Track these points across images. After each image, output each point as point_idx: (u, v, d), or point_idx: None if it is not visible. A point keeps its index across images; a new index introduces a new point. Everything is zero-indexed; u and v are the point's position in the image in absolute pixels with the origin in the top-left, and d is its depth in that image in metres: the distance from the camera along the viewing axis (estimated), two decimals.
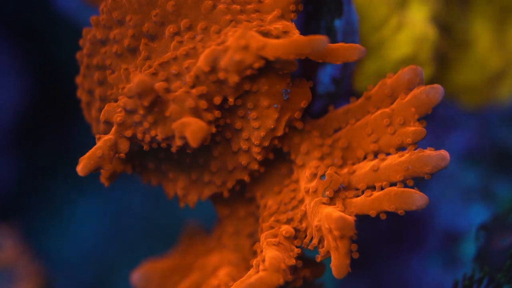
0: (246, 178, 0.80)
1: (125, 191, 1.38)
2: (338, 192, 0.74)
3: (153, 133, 0.72)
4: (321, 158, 0.78)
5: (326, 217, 0.70)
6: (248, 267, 0.83)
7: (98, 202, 1.41)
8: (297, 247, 0.76)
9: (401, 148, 0.75)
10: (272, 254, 0.71)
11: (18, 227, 1.22)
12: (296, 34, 0.72)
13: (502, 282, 0.83)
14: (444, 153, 0.71)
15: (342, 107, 0.80)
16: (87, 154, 0.71)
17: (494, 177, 1.03)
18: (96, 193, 1.40)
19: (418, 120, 0.74)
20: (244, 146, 0.77)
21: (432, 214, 1.02)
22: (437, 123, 1.05)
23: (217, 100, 0.72)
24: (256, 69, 0.71)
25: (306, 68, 0.85)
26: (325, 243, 0.72)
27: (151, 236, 1.37)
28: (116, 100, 0.78)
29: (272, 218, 0.78)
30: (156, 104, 0.70)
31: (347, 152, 0.78)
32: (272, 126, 0.75)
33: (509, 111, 1.07)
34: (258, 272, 0.71)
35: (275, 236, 0.76)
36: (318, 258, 0.73)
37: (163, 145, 0.74)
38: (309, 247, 0.75)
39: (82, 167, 0.71)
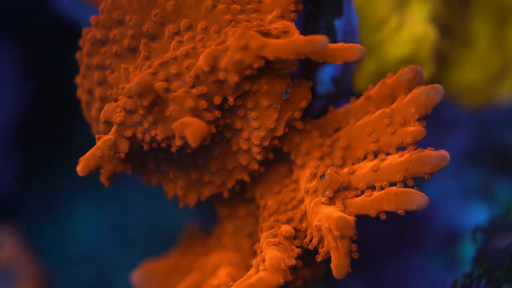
0: (246, 178, 0.80)
1: (125, 191, 1.38)
2: (338, 192, 0.74)
3: (153, 133, 0.72)
4: (321, 158, 0.78)
5: (326, 217, 0.70)
6: (248, 267, 0.83)
7: (98, 202, 1.41)
8: (297, 247, 0.76)
9: (401, 148, 0.75)
10: (272, 254, 0.71)
11: (18, 227, 1.22)
12: (296, 34, 0.72)
13: (502, 282, 0.83)
14: (444, 153, 0.71)
15: (342, 107, 0.80)
16: (87, 154, 0.71)
17: (494, 177, 1.03)
18: (96, 193, 1.40)
19: (418, 120, 0.74)
20: (244, 146, 0.77)
21: (432, 214, 1.02)
22: (437, 123, 1.05)
23: (217, 100, 0.72)
24: (256, 69, 0.71)
25: (306, 68, 0.85)
26: (325, 243, 0.72)
27: (151, 236, 1.37)
28: (116, 100, 0.78)
29: (272, 218, 0.78)
30: (156, 104, 0.70)
31: (347, 152, 0.78)
32: (272, 126, 0.75)
33: (509, 111, 1.07)
34: (258, 272, 0.71)
35: (275, 236, 0.76)
36: (318, 258, 0.73)
37: (163, 145, 0.74)
38: (309, 247, 0.75)
39: (82, 167, 0.71)
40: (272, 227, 0.77)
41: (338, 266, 0.70)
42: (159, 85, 0.71)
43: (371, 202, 0.72)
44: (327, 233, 0.70)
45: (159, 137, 0.72)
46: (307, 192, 0.76)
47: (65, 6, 1.13)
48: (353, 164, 0.77)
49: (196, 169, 0.80)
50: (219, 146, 0.78)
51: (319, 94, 0.86)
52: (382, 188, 0.73)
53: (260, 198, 0.82)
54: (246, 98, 0.74)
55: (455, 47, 1.04)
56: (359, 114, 0.78)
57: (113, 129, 0.73)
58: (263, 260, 0.72)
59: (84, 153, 0.72)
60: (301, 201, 0.78)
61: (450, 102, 1.06)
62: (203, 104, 0.71)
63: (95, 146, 0.72)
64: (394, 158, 0.73)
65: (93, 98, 0.81)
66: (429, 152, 0.72)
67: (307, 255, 0.77)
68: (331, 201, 0.73)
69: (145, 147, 0.74)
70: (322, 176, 0.75)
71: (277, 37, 0.72)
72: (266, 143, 0.76)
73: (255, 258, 0.76)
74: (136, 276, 0.89)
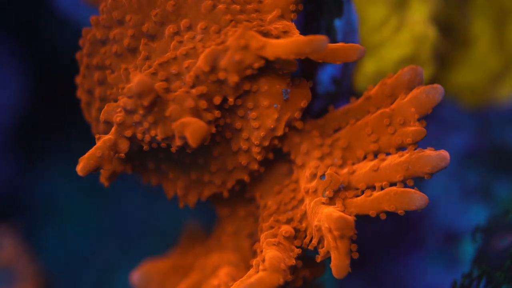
0: (246, 178, 0.80)
1: (125, 191, 1.38)
2: (338, 192, 0.74)
3: (153, 133, 0.72)
4: (321, 158, 0.78)
5: (326, 217, 0.70)
6: (248, 267, 0.83)
7: (98, 202, 1.41)
8: (297, 247, 0.76)
9: (401, 148, 0.75)
10: (272, 254, 0.71)
11: (18, 227, 1.22)
12: (296, 34, 0.72)
13: (501, 282, 0.83)
14: (444, 153, 0.71)
15: (342, 107, 0.80)
16: (87, 154, 0.71)
17: (494, 177, 1.03)
18: (96, 193, 1.40)
19: (418, 120, 0.74)
20: (244, 146, 0.77)
21: (432, 214, 1.02)
22: (437, 123, 1.05)
23: (217, 100, 0.72)
24: (256, 69, 0.71)
25: (306, 68, 0.85)
26: (325, 243, 0.72)
27: (151, 236, 1.37)
28: (116, 100, 0.78)
29: (272, 218, 0.78)
30: (156, 104, 0.70)
31: (347, 152, 0.78)
32: (272, 126, 0.75)
33: (509, 111, 1.07)
34: (258, 272, 0.71)
35: (275, 236, 0.75)
36: (318, 258, 0.73)
37: (163, 145, 0.74)
38: (309, 247, 0.75)
39: (82, 167, 0.71)
40: (272, 227, 0.77)
41: (338, 266, 0.70)
42: (159, 85, 0.71)
43: (371, 202, 0.72)
44: (327, 233, 0.70)
45: (159, 137, 0.72)
46: (307, 192, 0.76)
47: (65, 6, 1.13)
48: (353, 164, 0.77)
49: (196, 169, 0.80)
50: (219, 146, 0.78)
51: (319, 94, 0.86)
52: (382, 188, 0.73)
53: (260, 198, 0.82)
54: (246, 98, 0.74)
55: (455, 47, 1.04)
56: (359, 114, 0.78)
57: (113, 129, 0.73)
58: (263, 260, 0.72)
59: (84, 153, 0.72)
60: (301, 201, 0.78)
61: (450, 102, 1.06)
62: (203, 104, 0.71)
63: (95, 146, 0.72)
64: (394, 158, 0.73)
65: (93, 98, 0.81)
66: (429, 152, 0.72)
67: (307, 255, 0.77)
68: (331, 201, 0.73)
69: (145, 147, 0.74)
70: (322, 176, 0.75)
71: (277, 37, 0.72)
72: (266, 143, 0.76)
73: (255, 258, 0.76)
74: (136, 276, 0.89)
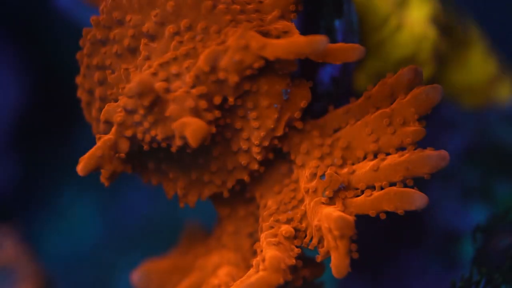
0: (246, 178, 0.80)
1: (125, 191, 1.38)
2: (338, 192, 0.74)
3: (153, 133, 0.72)
4: (321, 158, 0.78)
5: (326, 217, 0.70)
6: (248, 267, 0.83)
7: (98, 202, 1.41)
8: (297, 247, 0.76)
9: (401, 148, 0.75)
10: (272, 254, 0.71)
11: (18, 227, 1.22)
12: (296, 34, 0.72)
13: (500, 283, 0.83)
14: (443, 153, 0.71)
15: (342, 107, 0.80)
16: (87, 154, 0.71)
17: (494, 177, 1.03)
18: (96, 193, 1.41)
19: (418, 120, 0.74)
20: (244, 146, 0.77)
21: (431, 214, 1.02)
22: (437, 123, 1.05)
23: (217, 100, 0.72)
24: (256, 69, 0.71)
25: (306, 68, 0.85)
26: (325, 243, 0.72)
27: (151, 236, 1.37)
28: (116, 100, 0.78)
29: (272, 218, 0.78)
30: (156, 104, 0.70)
31: (347, 152, 0.78)
32: (272, 126, 0.75)
33: (509, 111, 1.07)
34: (258, 272, 0.71)
35: (275, 236, 0.76)
36: (318, 258, 0.73)
37: (163, 145, 0.74)
38: (309, 247, 0.75)
39: (82, 167, 0.71)
40: (272, 227, 0.77)
41: (338, 266, 0.70)
42: (159, 85, 0.71)
43: (371, 202, 0.72)
44: (327, 233, 0.70)
45: (159, 137, 0.72)
46: (307, 192, 0.76)
47: (65, 6, 1.13)
48: (353, 164, 0.77)
49: (196, 169, 0.80)
50: (219, 146, 0.78)
51: (319, 94, 0.86)
52: (382, 188, 0.73)
53: (260, 198, 0.82)
54: (246, 98, 0.74)
55: (455, 47, 1.04)
56: (359, 114, 0.78)
57: (113, 129, 0.73)
58: (263, 260, 0.72)
59: (85, 153, 0.72)
60: (301, 201, 0.78)
61: (450, 102, 1.06)
62: (203, 104, 0.72)
63: (95, 146, 0.72)
64: (394, 158, 0.73)
65: (94, 98, 0.81)
66: (429, 152, 0.72)
67: (307, 255, 0.77)
68: (331, 201, 0.73)
69: (145, 147, 0.74)
70: (322, 176, 0.75)
71: (277, 37, 0.72)
72: (266, 143, 0.76)
73: (255, 258, 0.76)
74: (136, 276, 0.89)
